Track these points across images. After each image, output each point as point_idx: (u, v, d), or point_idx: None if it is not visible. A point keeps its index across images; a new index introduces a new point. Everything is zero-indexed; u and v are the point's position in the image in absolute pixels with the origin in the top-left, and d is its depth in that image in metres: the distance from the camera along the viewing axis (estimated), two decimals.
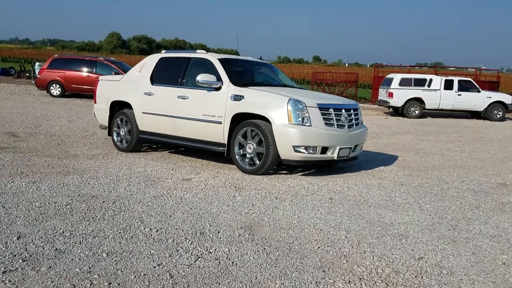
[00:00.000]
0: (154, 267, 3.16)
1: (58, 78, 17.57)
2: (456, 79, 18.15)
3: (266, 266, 3.25)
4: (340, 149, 6.26)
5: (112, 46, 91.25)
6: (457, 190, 5.91)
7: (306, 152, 6.01)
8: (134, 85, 7.50)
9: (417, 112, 17.80)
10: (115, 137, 7.72)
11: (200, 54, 7.15)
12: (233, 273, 3.12)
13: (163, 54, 7.60)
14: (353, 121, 6.56)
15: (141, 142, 7.58)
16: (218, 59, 6.85)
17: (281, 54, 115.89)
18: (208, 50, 7.43)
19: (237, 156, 6.35)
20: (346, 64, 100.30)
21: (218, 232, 3.89)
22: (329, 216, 4.49)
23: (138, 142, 7.48)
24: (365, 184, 5.97)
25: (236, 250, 3.50)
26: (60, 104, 15.11)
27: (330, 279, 3.10)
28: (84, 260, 3.20)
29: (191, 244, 3.59)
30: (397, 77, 18.29)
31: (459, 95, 17.84)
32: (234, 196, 5.04)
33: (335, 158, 6.28)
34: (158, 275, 3.03)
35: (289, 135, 5.94)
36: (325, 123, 6.14)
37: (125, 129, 7.55)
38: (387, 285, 3.06)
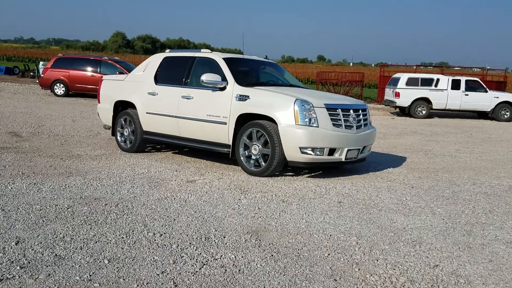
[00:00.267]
0: (158, 274, 3.02)
1: (62, 77, 17.49)
2: (463, 79, 17.93)
3: (274, 275, 3.11)
4: (348, 150, 6.10)
5: (116, 46, 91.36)
6: (469, 193, 5.74)
7: (313, 153, 5.87)
8: (138, 84, 7.38)
9: (424, 112, 17.60)
10: (118, 137, 7.60)
11: (204, 53, 7.01)
12: (240, 282, 2.98)
13: (168, 53, 7.47)
14: (362, 121, 6.41)
15: (145, 142, 7.45)
16: (223, 58, 6.72)
17: (285, 54, 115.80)
18: (212, 49, 7.30)
19: (242, 158, 6.21)
20: (351, 64, 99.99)
21: (224, 237, 3.75)
22: (338, 220, 4.34)
23: (141, 142, 7.36)
24: (374, 186, 5.81)
25: (242, 257, 3.36)
26: (64, 103, 15.03)
27: None
28: (84, 267, 3.07)
29: (196, 249, 3.46)
30: (403, 77, 18.09)
31: (466, 95, 17.63)
32: (239, 199, 4.90)
33: (343, 160, 6.13)
34: (162, 284, 2.90)
35: (296, 136, 5.79)
36: (332, 123, 5.99)
37: (129, 129, 7.42)
38: None
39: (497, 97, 17.87)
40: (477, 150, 9.75)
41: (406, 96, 17.60)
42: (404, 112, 18.06)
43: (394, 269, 3.28)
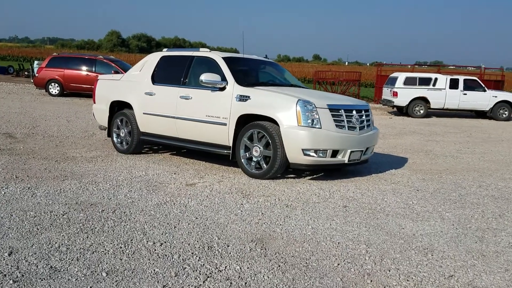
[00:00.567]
0: None
1: (57, 77, 17.24)
2: (461, 78, 17.82)
3: (282, 287, 2.94)
4: (351, 152, 5.95)
5: (111, 45, 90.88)
6: (476, 196, 5.60)
7: (315, 155, 5.71)
8: (135, 84, 7.18)
9: (422, 111, 17.49)
10: (115, 139, 7.41)
11: (203, 52, 6.83)
12: None
13: (165, 52, 7.28)
14: (364, 122, 6.26)
15: (142, 143, 7.26)
16: (222, 57, 6.54)
17: (281, 53, 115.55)
18: (208, 48, 7.12)
19: (242, 160, 6.04)
20: (346, 63, 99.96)
21: (228, 246, 3.58)
22: (345, 226, 4.18)
23: (138, 143, 7.16)
24: (378, 189, 5.66)
25: (248, 268, 3.19)
26: (58, 103, 14.79)
27: None
28: (81, 280, 2.89)
29: (198, 260, 3.28)
30: (401, 76, 17.96)
31: (464, 94, 17.53)
32: (242, 204, 4.73)
33: (346, 161, 5.98)
34: None
35: (298, 138, 5.63)
36: (335, 125, 5.83)
37: (125, 130, 7.23)
38: None
39: (496, 96, 17.79)
40: (478, 150, 9.63)
41: (404, 95, 17.47)
42: (402, 111, 17.94)
43: (408, 280, 3.13)
